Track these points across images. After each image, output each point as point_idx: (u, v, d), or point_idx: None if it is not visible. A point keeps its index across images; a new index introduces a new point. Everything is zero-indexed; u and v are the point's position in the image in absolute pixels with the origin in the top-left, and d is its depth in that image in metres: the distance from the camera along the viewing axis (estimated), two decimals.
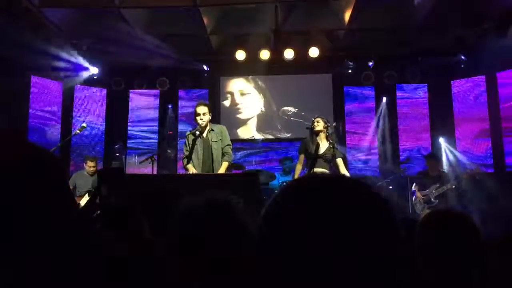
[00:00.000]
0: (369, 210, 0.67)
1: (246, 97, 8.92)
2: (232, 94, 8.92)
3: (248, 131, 8.82)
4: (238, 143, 8.56)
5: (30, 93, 7.69)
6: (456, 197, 6.20)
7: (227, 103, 8.88)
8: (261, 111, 8.86)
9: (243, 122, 8.85)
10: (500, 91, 7.80)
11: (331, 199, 0.67)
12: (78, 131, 5.92)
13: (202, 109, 4.87)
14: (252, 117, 8.88)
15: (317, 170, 5.07)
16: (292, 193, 0.71)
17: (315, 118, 5.35)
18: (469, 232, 1.52)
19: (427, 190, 6.23)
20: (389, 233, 0.66)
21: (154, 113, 8.92)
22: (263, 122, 8.86)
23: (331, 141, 5.16)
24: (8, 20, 6.33)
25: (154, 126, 8.91)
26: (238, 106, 8.89)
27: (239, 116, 8.88)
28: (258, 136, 8.80)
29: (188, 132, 5.10)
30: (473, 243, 1.50)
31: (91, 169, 6.40)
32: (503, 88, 7.79)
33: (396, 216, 0.69)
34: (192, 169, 4.81)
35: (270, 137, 8.81)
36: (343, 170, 5.13)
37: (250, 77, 8.89)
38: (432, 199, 6.17)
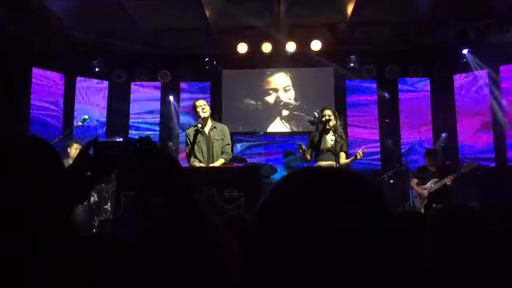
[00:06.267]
0: (367, 207, 0.66)
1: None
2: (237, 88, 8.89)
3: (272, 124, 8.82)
4: (240, 136, 8.57)
5: (31, 85, 7.68)
6: (455, 191, 6.20)
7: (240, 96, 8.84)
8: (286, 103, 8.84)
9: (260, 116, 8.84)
10: (503, 85, 7.78)
11: (325, 194, 0.66)
12: (80, 123, 5.91)
13: (201, 102, 4.93)
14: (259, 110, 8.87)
15: (324, 163, 5.02)
16: (284, 189, 0.70)
17: (321, 111, 5.20)
18: (486, 231, 1.51)
19: (426, 185, 6.24)
20: (385, 232, 0.65)
21: (156, 106, 8.89)
22: (266, 115, 8.85)
23: (336, 133, 4.99)
24: (9, 11, 6.31)
25: (155, 118, 8.90)
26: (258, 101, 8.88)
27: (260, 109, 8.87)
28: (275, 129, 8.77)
29: (189, 128, 5.07)
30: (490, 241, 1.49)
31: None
32: (505, 82, 7.77)
33: (391, 214, 0.67)
34: (198, 165, 4.79)
35: (272, 130, 8.79)
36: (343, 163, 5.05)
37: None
38: None
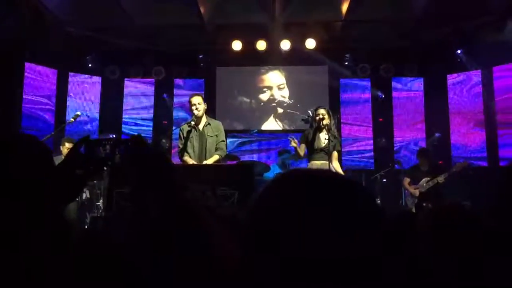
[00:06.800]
0: (356, 208, 0.66)
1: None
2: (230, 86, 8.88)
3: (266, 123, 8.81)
4: (233, 133, 8.56)
5: (24, 80, 7.61)
6: (447, 190, 6.24)
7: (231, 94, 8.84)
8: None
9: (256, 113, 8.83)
10: (496, 85, 7.83)
11: (311, 198, 0.66)
12: (73, 119, 5.86)
13: (196, 99, 4.86)
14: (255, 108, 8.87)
15: (317, 162, 5.03)
16: (273, 192, 0.70)
17: (316, 110, 5.20)
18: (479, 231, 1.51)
19: (418, 184, 6.27)
20: (372, 234, 0.65)
21: (149, 102, 8.86)
22: (260, 113, 8.85)
23: (330, 132, 4.99)
24: (2, 6, 6.25)
25: (149, 115, 8.85)
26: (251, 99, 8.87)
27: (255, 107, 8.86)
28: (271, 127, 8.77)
29: (183, 124, 5.07)
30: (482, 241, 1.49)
31: None
32: (498, 82, 7.82)
33: (380, 216, 0.68)
34: (190, 161, 4.79)
35: (265, 128, 8.79)
36: (335, 164, 5.08)
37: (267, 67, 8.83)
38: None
